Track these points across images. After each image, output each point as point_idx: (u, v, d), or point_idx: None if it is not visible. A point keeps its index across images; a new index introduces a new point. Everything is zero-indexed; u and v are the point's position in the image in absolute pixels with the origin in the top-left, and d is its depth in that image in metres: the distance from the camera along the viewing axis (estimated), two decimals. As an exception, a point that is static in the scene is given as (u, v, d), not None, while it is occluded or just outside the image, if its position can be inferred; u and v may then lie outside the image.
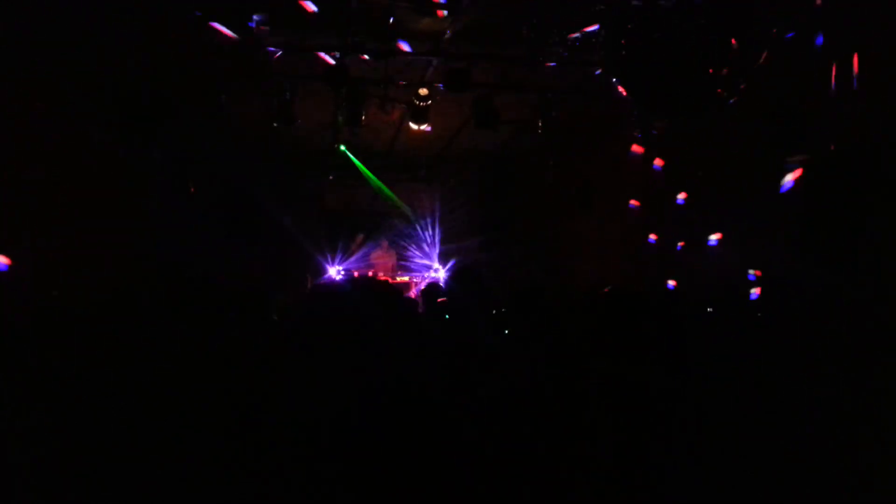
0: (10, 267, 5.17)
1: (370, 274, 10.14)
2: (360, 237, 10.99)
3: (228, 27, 5.83)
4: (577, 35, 5.78)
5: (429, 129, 7.87)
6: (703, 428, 2.21)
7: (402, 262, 11.18)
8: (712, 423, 2.22)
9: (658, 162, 7.11)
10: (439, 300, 3.63)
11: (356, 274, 9.96)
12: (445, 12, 5.82)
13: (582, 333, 2.90)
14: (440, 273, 10.74)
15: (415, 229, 11.38)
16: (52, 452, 2.23)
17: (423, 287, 6.83)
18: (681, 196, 6.89)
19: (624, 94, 3.60)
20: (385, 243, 10.86)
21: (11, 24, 5.01)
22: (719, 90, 3.35)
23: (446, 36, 6.42)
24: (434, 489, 1.93)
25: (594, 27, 5.69)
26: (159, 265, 7.66)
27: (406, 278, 10.28)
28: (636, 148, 7.39)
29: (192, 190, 9.11)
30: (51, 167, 5.79)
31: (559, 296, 4.51)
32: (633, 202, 7.82)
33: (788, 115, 5.07)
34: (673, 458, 2.14)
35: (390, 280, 10.01)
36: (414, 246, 11.48)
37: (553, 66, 6.75)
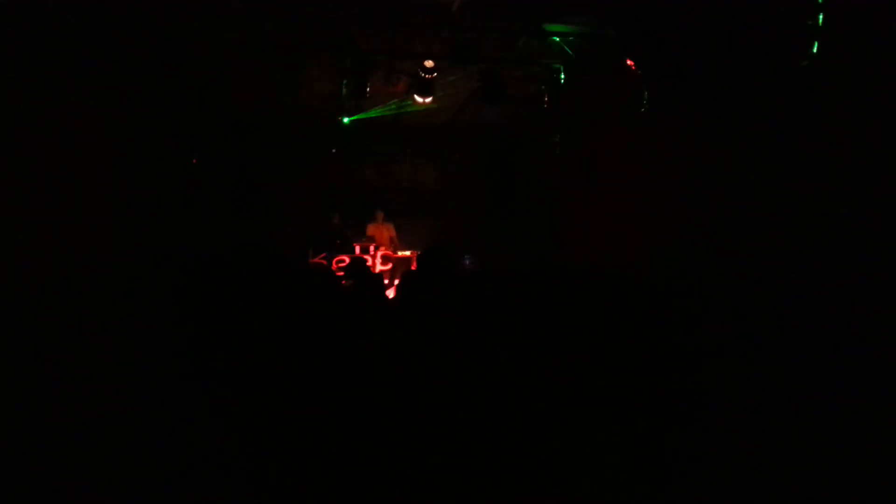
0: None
1: (371, 247, 10.04)
2: (381, 214, 10.61)
3: None
4: None
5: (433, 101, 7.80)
6: (706, 414, 2.19)
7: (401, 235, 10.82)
8: (714, 409, 2.20)
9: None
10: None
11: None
12: None
13: (582, 313, 2.87)
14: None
15: None
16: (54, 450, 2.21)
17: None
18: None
19: (633, 68, 3.53)
20: (381, 215, 10.45)
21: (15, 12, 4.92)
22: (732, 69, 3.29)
23: (454, 7, 6.31)
24: (432, 477, 1.92)
25: None
26: (161, 242, 7.64)
27: (408, 252, 10.17)
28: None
29: (195, 161, 9.07)
30: (50, 146, 5.72)
31: (562, 272, 4.46)
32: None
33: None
34: (676, 446, 2.12)
35: (392, 254, 9.94)
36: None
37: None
